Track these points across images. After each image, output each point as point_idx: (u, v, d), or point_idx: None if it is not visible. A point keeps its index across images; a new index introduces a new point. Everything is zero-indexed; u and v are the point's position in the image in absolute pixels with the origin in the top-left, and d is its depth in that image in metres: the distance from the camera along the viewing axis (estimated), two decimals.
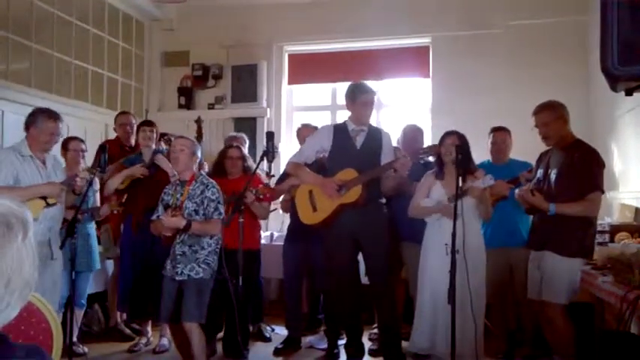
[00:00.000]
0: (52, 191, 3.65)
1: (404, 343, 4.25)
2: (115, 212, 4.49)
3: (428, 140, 5.31)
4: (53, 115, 3.79)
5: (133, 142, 5.12)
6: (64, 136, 4.72)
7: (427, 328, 3.82)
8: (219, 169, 4.59)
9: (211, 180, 3.81)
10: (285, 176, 4.68)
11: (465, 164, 3.68)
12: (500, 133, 4.50)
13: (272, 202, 4.82)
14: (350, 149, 4.13)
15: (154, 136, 4.76)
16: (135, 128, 5.12)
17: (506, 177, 4.16)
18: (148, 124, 4.88)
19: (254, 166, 4.67)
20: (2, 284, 0.96)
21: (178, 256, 3.68)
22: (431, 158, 4.33)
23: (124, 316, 5.01)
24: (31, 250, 1.02)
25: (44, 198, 3.61)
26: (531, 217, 3.94)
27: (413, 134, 4.74)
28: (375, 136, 4.19)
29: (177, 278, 3.66)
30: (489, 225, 4.34)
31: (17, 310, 1.02)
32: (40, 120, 3.73)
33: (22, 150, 3.69)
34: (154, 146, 4.72)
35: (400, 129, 4.91)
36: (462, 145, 3.80)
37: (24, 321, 1.95)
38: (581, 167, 3.50)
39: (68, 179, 3.84)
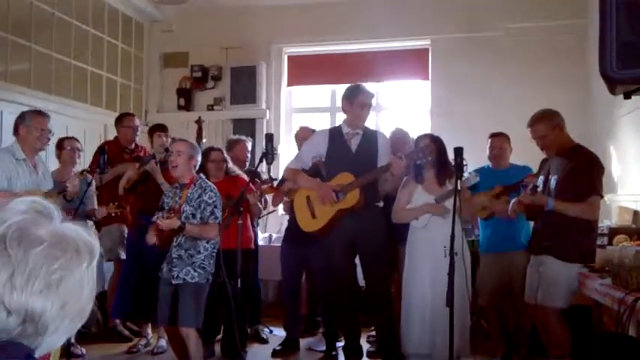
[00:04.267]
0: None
1: None
2: (114, 215, 4.47)
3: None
4: (40, 112, 3.81)
5: (134, 144, 5.10)
6: (61, 136, 4.73)
7: (417, 331, 3.81)
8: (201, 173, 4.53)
9: (209, 183, 3.80)
10: (283, 182, 4.68)
11: (444, 166, 3.73)
12: (497, 139, 4.50)
13: (274, 206, 4.83)
14: (345, 153, 4.12)
15: (168, 140, 4.70)
16: (139, 130, 5.10)
17: (506, 182, 4.15)
18: (162, 129, 4.82)
19: (234, 168, 4.66)
20: (58, 306, 0.94)
21: (175, 260, 3.67)
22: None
23: None
24: (92, 279, 1.01)
25: None
26: (531, 222, 3.94)
27: (400, 138, 4.70)
28: (371, 139, 4.18)
29: (173, 282, 3.65)
30: (489, 229, 4.34)
31: (64, 339, 1.00)
32: (27, 118, 3.73)
33: (16, 153, 3.69)
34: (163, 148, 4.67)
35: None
36: (438, 147, 3.86)
37: None
38: (581, 172, 3.49)
39: (60, 185, 3.83)
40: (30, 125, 3.71)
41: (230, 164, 4.64)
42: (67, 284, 0.95)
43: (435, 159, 3.86)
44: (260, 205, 4.67)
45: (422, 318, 3.79)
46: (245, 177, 4.53)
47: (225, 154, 4.67)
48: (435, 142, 3.91)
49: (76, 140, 4.64)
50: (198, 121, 5.16)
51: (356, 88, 4.19)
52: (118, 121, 5.16)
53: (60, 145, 4.54)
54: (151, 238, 3.65)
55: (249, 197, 4.23)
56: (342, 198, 3.98)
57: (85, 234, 1.02)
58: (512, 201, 3.83)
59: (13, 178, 3.62)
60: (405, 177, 4.04)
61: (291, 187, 4.39)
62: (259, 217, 4.88)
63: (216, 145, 6.16)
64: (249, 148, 5.33)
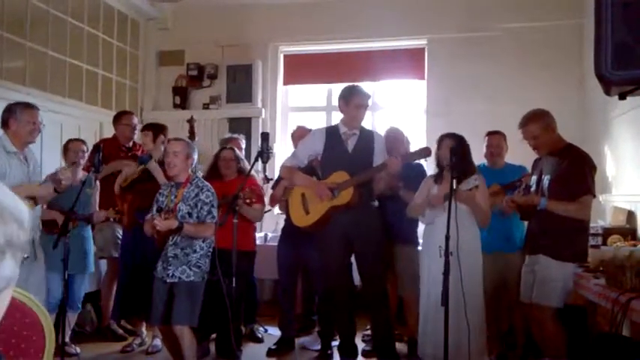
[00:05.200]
0: (46, 194, 3.63)
1: (398, 344, 4.26)
2: (112, 220, 4.46)
3: (422, 142, 5.31)
4: (30, 104, 3.77)
5: (132, 142, 5.08)
6: (56, 134, 4.71)
7: (429, 331, 3.81)
8: (213, 172, 4.58)
9: (206, 183, 3.79)
10: (280, 180, 4.68)
11: (460, 167, 3.61)
12: (494, 137, 4.51)
13: (271, 207, 4.81)
14: (342, 152, 4.13)
15: (149, 139, 4.66)
16: (137, 129, 5.09)
17: (501, 181, 4.17)
18: (145, 127, 4.79)
19: (248, 167, 4.66)
20: None
21: (170, 259, 3.66)
22: (422, 161, 4.36)
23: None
24: None
25: (33, 198, 3.58)
26: (526, 223, 3.95)
27: (394, 137, 4.71)
28: (367, 139, 4.19)
29: (168, 280, 3.64)
30: (484, 230, 4.34)
31: None
32: (18, 111, 3.70)
33: (6, 146, 3.66)
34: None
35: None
36: (457, 147, 3.76)
37: (17, 321, 1.94)
38: (573, 171, 3.52)
39: (51, 178, 3.82)
40: (21, 119, 3.68)
41: (244, 163, 4.63)
42: None
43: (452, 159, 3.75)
44: (256, 207, 4.63)
45: (431, 318, 3.79)
46: (256, 177, 4.56)
47: (237, 153, 4.67)
48: (456, 141, 3.79)
49: (81, 142, 4.63)
50: (190, 121, 5.16)
51: (352, 89, 4.20)
52: (117, 119, 5.15)
53: (66, 147, 4.59)
54: (149, 230, 3.65)
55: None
56: (336, 195, 3.99)
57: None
58: (505, 198, 3.85)
59: (7, 171, 3.60)
60: (399, 174, 4.04)
61: (287, 186, 4.40)
62: (258, 220, 4.86)
63: (211, 143, 6.15)
64: (243, 145, 5.33)
